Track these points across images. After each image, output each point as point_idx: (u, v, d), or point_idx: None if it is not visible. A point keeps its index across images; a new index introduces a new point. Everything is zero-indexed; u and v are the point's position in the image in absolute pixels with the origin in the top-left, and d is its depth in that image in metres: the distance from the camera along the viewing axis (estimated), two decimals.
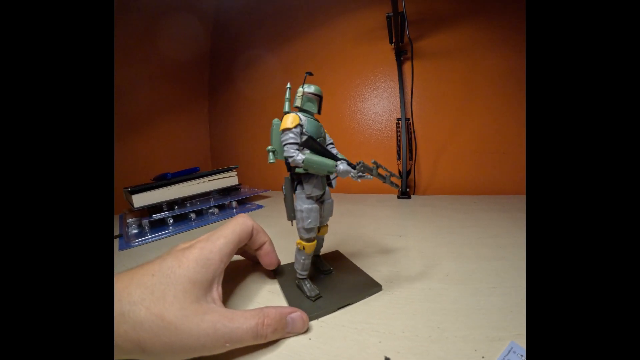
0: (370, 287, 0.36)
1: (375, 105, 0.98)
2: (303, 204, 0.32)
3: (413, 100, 0.89)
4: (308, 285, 0.35)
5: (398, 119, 0.88)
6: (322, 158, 0.30)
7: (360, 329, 0.29)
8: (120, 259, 0.52)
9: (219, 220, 0.72)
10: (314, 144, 0.31)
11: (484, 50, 0.86)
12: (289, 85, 0.34)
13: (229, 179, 0.86)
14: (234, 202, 0.81)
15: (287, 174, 0.34)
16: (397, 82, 0.89)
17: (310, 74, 0.33)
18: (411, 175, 0.89)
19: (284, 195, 0.34)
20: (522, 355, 0.24)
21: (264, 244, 0.37)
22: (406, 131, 0.86)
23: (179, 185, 0.74)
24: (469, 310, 0.31)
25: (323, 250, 0.42)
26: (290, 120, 0.31)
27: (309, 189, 0.32)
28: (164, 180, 0.73)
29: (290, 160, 0.30)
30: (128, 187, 0.69)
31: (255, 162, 1.20)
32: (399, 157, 0.87)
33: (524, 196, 0.76)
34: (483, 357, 0.24)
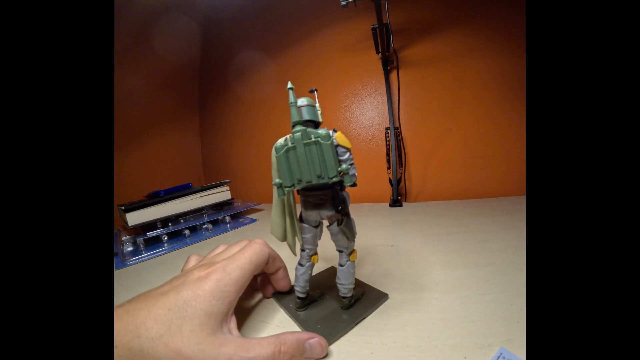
0: (377, 298, 0.36)
1: (364, 115, 1.00)
2: (350, 216, 0.33)
3: (401, 108, 0.91)
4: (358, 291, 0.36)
5: (387, 128, 0.90)
6: None
7: (353, 341, 0.30)
8: (117, 278, 0.52)
9: (213, 236, 0.72)
10: None
11: (468, 57, 0.88)
12: (291, 85, 0.30)
13: (221, 194, 0.86)
14: (227, 217, 0.81)
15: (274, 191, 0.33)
16: (385, 92, 0.91)
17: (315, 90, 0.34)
18: (402, 183, 0.90)
19: (347, 218, 0.32)
20: None
21: (279, 269, 0.38)
22: (395, 140, 0.87)
23: (172, 202, 0.75)
24: (458, 318, 0.31)
25: (315, 270, 0.39)
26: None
27: (349, 200, 0.34)
28: (157, 198, 0.73)
29: (355, 178, 0.32)
30: (122, 205, 0.69)
31: (247, 175, 1.20)
32: (389, 166, 0.88)
33: (512, 198, 0.78)
34: None
